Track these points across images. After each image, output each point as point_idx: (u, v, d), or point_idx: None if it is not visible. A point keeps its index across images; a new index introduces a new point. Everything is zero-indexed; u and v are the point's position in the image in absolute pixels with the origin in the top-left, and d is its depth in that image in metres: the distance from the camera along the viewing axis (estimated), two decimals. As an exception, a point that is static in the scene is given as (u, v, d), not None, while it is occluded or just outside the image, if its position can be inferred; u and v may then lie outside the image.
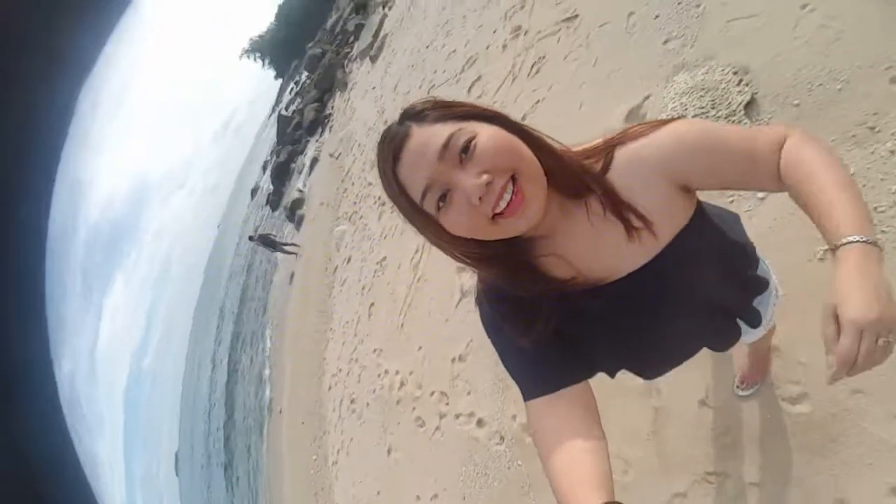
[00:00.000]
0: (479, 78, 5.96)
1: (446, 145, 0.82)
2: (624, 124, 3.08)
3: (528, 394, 0.94)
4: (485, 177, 0.81)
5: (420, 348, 5.08)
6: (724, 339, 1.29)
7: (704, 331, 1.21)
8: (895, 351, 0.73)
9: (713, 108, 2.64)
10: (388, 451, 5.19)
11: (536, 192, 0.85)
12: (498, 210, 0.83)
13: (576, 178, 0.93)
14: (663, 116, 2.78)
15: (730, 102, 2.58)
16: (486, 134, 0.84)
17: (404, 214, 0.91)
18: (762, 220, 2.30)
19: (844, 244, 0.77)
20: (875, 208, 1.96)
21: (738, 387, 2.16)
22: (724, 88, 2.64)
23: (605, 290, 0.99)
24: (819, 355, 1.68)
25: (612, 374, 1.15)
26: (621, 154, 0.95)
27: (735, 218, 1.33)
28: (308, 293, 11.02)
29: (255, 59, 62.20)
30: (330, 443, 7.14)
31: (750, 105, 2.51)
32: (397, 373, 5.42)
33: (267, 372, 14.46)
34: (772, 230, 2.23)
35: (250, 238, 16.24)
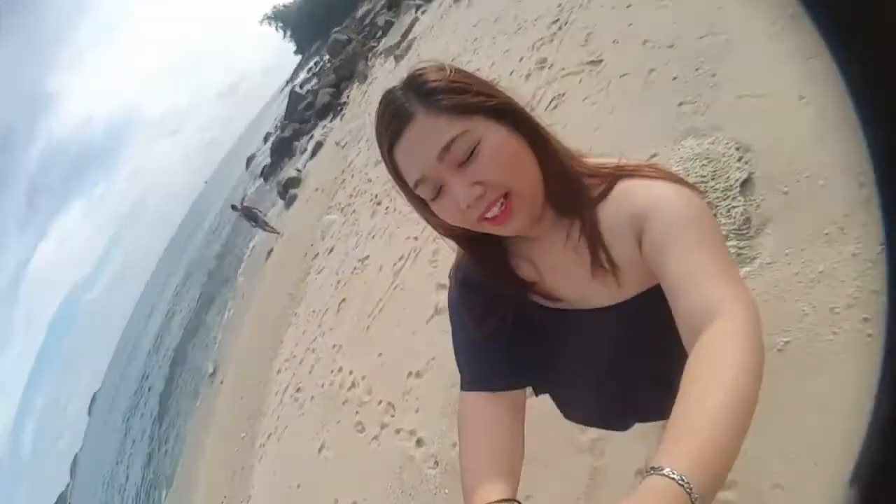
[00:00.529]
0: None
1: (448, 148, 0.79)
2: None
3: (469, 385, 0.95)
4: (477, 189, 0.80)
5: (380, 355, 5.02)
6: (656, 413, 1.20)
7: (641, 398, 1.13)
8: None
9: (713, 179, 2.66)
10: (320, 449, 5.12)
11: (524, 209, 0.85)
12: (486, 217, 0.83)
13: (569, 197, 0.91)
14: None
15: (728, 177, 2.61)
16: (492, 141, 0.80)
17: (396, 184, 0.90)
18: None
19: (654, 473, 0.56)
20: (832, 309, 2.00)
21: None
22: (726, 162, 2.67)
23: (562, 313, 0.98)
24: (750, 444, 1.72)
25: (536, 392, 1.13)
26: (622, 187, 0.89)
27: None
28: (282, 273, 10.97)
29: (276, 29, 61.82)
30: (264, 425, 7.07)
31: (746, 183, 2.54)
32: (351, 373, 5.36)
33: (219, 339, 14.27)
34: None
35: (233, 207, 16.04)
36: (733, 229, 2.42)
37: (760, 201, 2.46)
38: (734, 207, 2.50)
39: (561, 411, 1.26)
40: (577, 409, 1.26)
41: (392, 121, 0.82)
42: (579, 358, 1.01)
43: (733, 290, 0.73)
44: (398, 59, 13.14)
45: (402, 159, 0.83)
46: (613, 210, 0.89)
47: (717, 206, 2.53)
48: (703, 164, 2.74)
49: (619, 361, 1.00)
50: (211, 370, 12.87)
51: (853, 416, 1.47)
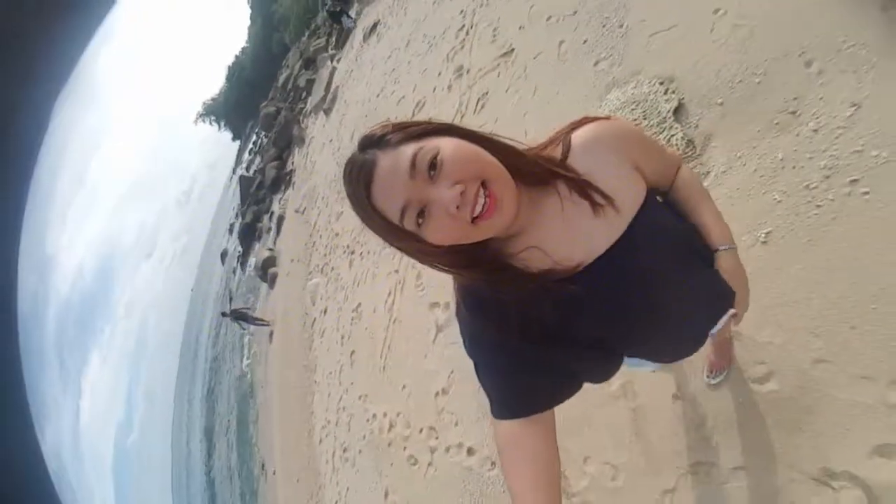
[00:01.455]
0: (429, 120, 6.07)
1: (413, 164, 0.85)
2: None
3: (500, 414, 0.97)
4: (457, 187, 0.85)
5: (404, 387, 5.09)
6: (714, 318, 1.29)
7: (697, 306, 1.20)
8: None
9: (645, 119, 2.77)
10: (385, 495, 5.11)
11: (506, 191, 0.89)
12: (476, 213, 0.86)
13: (539, 168, 0.99)
14: None
15: (659, 111, 2.71)
16: (448, 147, 0.87)
17: (384, 237, 0.92)
18: None
19: (719, 251, 1.20)
20: (807, 186, 2.05)
21: (708, 376, 2.22)
22: (653, 99, 2.78)
23: (584, 274, 1.01)
24: (778, 332, 1.98)
25: (613, 367, 1.12)
26: (578, 139, 1.04)
27: None
28: (289, 349, 10.89)
29: (210, 123, 61.86)
30: (327, 497, 6.95)
31: (678, 110, 2.63)
32: (385, 415, 5.39)
33: (256, 434, 14.16)
34: None
35: (223, 314, 16.00)
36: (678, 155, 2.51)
37: (697, 121, 2.54)
38: (673, 136, 2.59)
39: (654, 360, 1.35)
40: (660, 346, 1.25)
41: (360, 173, 0.88)
42: (628, 293, 1.03)
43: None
44: (327, 112, 13.18)
45: (381, 197, 0.87)
46: (584, 156, 1.03)
47: (657, 139, 2.52)
48: (633, 109, 2.85)
49: (658, 273, 1.05)
50: (260, 466, 12.76)
51: (871, 269, 1.84)
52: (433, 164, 0.85)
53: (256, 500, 12.98)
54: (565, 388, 0.99)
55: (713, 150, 2.44)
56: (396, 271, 5.93)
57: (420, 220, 0.87)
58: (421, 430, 4.61)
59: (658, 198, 1.18)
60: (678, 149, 2.52)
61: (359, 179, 0.88)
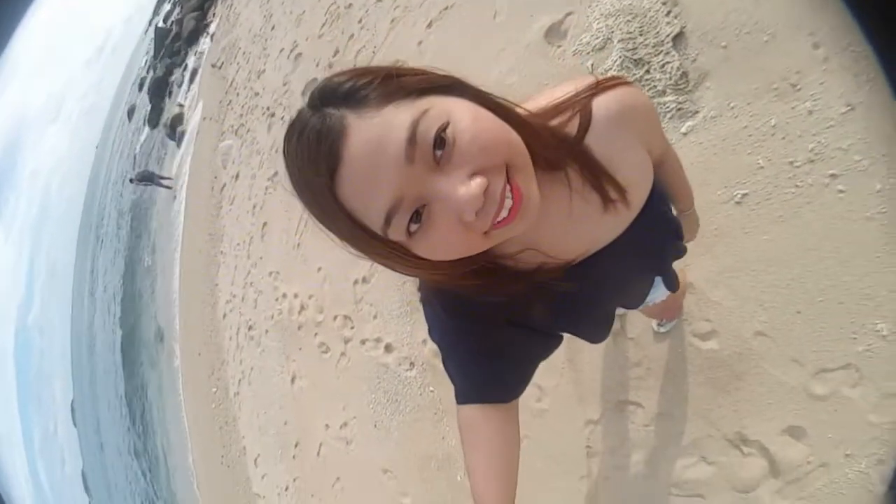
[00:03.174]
0: (425, 68, 5.37)
1: (413, 138, 0.56)
2: (543, 41, 2.90)
3: (462, 399, 0.86)
4: (479, 180, 0.58)
5: (319, 269, 4.76)
6: (640, 300, 1.32)
7: (638, 291, 1.26)
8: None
9: (641, 35, 2.51)
10: (293, 380, 5.02)
11: (532, 182, 0.65)
12: (499, 219, 0.62)
13: (551, 146, 0.75)
14: (586, 37, 2.66)
15: (658, 32, 2.47)
16: (463, 115, 0.59)
17: (350, 243, 0.65)
18: (683, 156, 2.18)
19: (686, 212, 1.30)
20: (791, 162, 1.98)
21: (658, 324, 2.19)
22: (653, 16, 2.49)
23: (577, 270, 0.87)
24: (729, 296, 2.08)
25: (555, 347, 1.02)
26: (601, 112, 0.80)
27: None
28: (195, 214, 10.45)
29: None
30: (230, 373, 6.92)
31: (678, 38, 2.39)
32: (296, 296, 5.13)
33: (156, 302, 13.88)
34: (692, 166, 2.20)
35: (131, 180, 15.70)
36: (670, 84, 2.33)
37: (696, 56, 2.34)
38: (668, 63, 2.40)
39: (590, 342, 1.18)
40: (599, 330, 1.16)
41: (318, 148, 0.57)
42: (610, 290, 1.02)
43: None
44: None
45: (354, 191, 0.58)
46: (606, 134, 0.80)
47: (649, 61, 2.41)
48: (628, 20, 2.57)
49: (637, 270, 1.07)
50: (158, 336, 12.59)
51: (826, 263, 1.90)
52: (441, 141, 0.57)
53: (157, 371, 12.87)
54: (528, 375, 0.91)
55: (706, 90, 2.29)
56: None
57: (413, 227, 0.60)
58: (335, 318, 4.37)
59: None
60: (670, 77, 2.38)
61: (315, 159, 0.57)
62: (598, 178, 0.80)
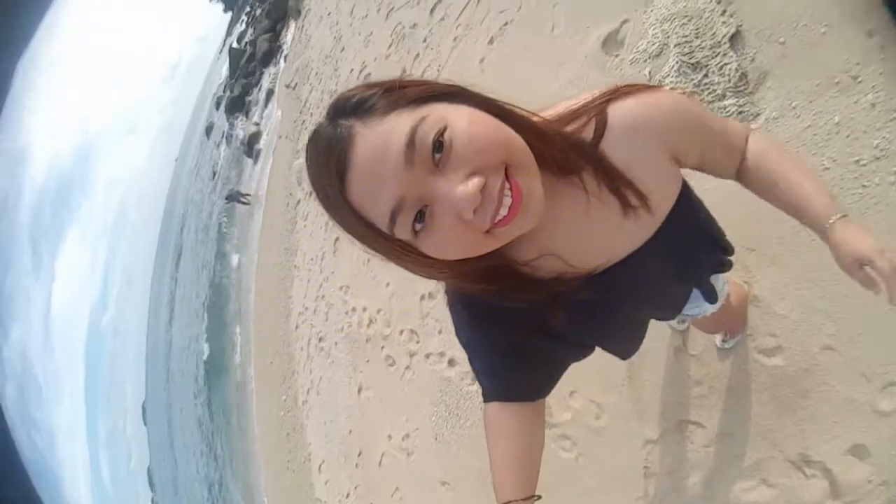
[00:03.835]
0: (428, 80, 5.50)
1: (411, 143, 0.61)
2: (601, 51, 2.86)
3: (487, 397, 0.90)
4: (476, 180, 0.62)
5: (388, 285, 4.88)
6: (673, 312, 1.26)
7: (668, 302, 1.18)
8: None
9: (697, 38, 2.45)
10: (359, 390, 5.12)
11: (534, 181, 0.68)
12: (498, 219, 0.66)
13: (563, 151, 0.76)
14: (643, 44, 2.62)
15: (714, 33, 2.41)
16: (460, 120, 0.64)
17: (363, 242, 0.71)
18: None
19: (831, 223, 0.88)
20: (857, 161, 1.88)
21: (722, 339, 2.10)
22: (709, 17, 2.44)
23: (599, 279, 0.87)
24: (796, 308, 1.96)
25: (584, 357, 1.03)
26: (618, 118, 0.80)
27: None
28: (271, 229, 10.75)
29: None
30: (300, 382, 7.08)
31: (735, 37, 2.33)
32: (365, 310, 5.25)
33: (232, 312, 14.34)
34: None
35: (226, 199, 16.56)
36: (729, 87, 2.26)
37: (754, 55, 2.27)
38: (727, 64, 2.31)
39: (620, 357, 1.17)
40: (630, 347, 1.17)
41: (329, 155, 0.64)
42: (634, 301, 0.98)
43: (741, 125, 0.99)
44: (325, -18, 12.28)
45: (361, 193, 0.64)
46: (623, 141, 0.80)
47: (707, 64, 2.35)
48: (683, 24, 2.52)
49: (666, 282, 1.01)
50: (233, 344, 13.01)
51: None
52: (439, 145, 0.62)
53: (231, 377, 13.26)
54: (552, 377, 0.93)
55: (767, 90, 2.20)
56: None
57: (417, 227, 0.65)
58: (401, 332, 4.47)
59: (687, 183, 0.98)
60: (729, 80, 2.29)
61: (327, 164, 0.65)
62: (616, 183, 0.80)
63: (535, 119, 0.75)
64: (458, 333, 0.94)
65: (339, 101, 0.67)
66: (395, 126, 0.62)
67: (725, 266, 1.18)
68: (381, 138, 0.62)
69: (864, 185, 1.85)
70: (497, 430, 0.87)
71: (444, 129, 0.62)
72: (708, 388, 2.15)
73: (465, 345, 0.93)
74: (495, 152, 0.64)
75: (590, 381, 2.60)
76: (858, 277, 0.84)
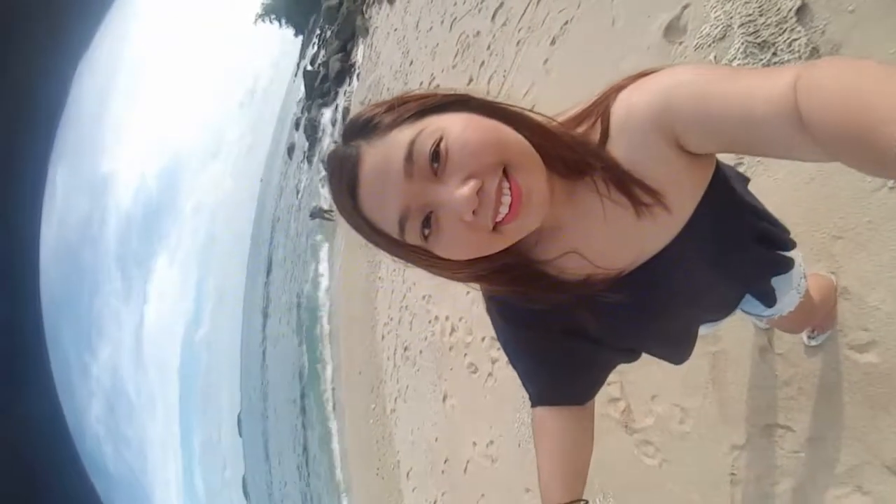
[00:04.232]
0: (501, 4, 5.47)
1: (409, 156, 0.65)
2: (664, 40, 2.79)
3: (535, 401, 0.92)
4: (471, 183, 0.64)
5: (468, 293, 4.89)
6: (722, 314, 1.19)
7: (713, 304, 1.12)
8: None
9: (761, 16, 2.34)
10: (444, 398, 5.19)
11: (536, 180, 0.68)
12: (500, 217, 0.67)
13: (570, 153, 0.75)
14: (706, 28, 2.52)
15: (779, 8, 2.28)
16: (455, 127, 0.66)
17: (387, 251, 0.75)
18: None
19: None
20: None
21: (809, 336, 1.97)
22: None
23: (628, 281, 0.84)
24: (889, 298, 1.78)
25: (632, 361, 1.03)
26: (618, 114, 0.76)
27: (743, 180, 1.13)
28: (354, 244, 10.99)
29: (270, 21, 61.46)
30: (387, 391, 7.23)
31: (802, 11, 2.20)
32: (447, 319, 5.33)
33: (323, 325, 14.76)
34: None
35: (311, 216, 17.01)
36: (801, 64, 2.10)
37: (824, 26, 2.13)
38: (795, 40, 2.18)
39: (671, 362, 1.14)
40: (679, 352, 1.12)
41: (342, 174, 0.69)
42: (671, 303, 0.93)
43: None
44: (391, 1, 12.67)
45: (371, 206, 0.69)
46: (626, 136, 0.76)
47: (774, 42, 2.22)
48: (746, 2, 2.42)
49: (703, 285, 0.95)
50: (324, 357, 13.39)
51: None
52: (436, 154, 0.65)
53: (323, 387, 13.64)
54: (595, 382, 0.94)
55: None
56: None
57: (426, 232, 0.68)
58: (483, 339, 4.50)
59: (724, 175, 0.87)
60: (800, 56, 2.14)
61: (340, 182, 0.70)
62: (623, 182, 0.77)
63: (539, 120, 0.77)
64: (497, 335, 0.97)
65: (350, 123, 0.73)
66: (396, 142, 0.66)
67: (781, 266, 1.10)
68: (382, 155, 0.66)
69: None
70: (543, 434, 0.89)
71: (441, 139, 0.65)
72: (797, 389, 2.02)
73: (503, 346, 0.96)
74: (489, 154, 0.66)
75: (672, 383, 2.53)
76: None
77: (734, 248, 0.93)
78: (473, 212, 0.65)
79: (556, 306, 0.83)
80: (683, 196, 0.80)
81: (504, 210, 0.66)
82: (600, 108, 0.78)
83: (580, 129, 0.78)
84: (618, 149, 0.76)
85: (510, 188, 0.66)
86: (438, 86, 6.65)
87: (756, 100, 0.62)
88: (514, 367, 0.95)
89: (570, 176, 0.77)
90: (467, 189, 0.64)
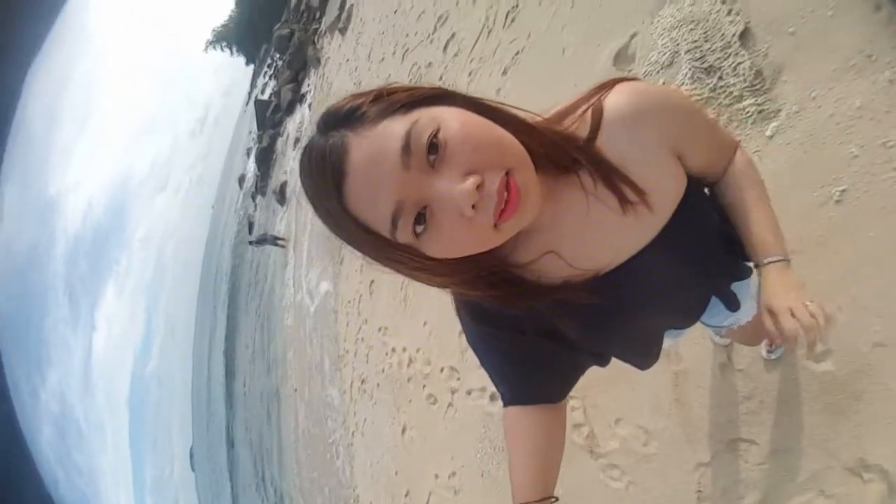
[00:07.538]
0: (452, 36, 5.63)
1: (406, 146, 0.61)
2: (613, 67, 2.89)
3: (509, 401, 0.92)
4: (473, 178, 0.62)
5: (425, 324, 4.93)
6: (689, 319, 1.17)
7: (682, 309, 1.11)
8: (827, 311, 0.87)
9: (707, 42, 2.44)
10: (403, 430, 5.12)
11: (530, 181, 0.67)
12: (501, 219, 0.66)
13: (557, 149, 0.76)
14: (654, 56, 2.63)
15: (723, 34, 2.39)
16: (452, 121, 0.64)
17: (370, 254, 0.70)
18: (773, 160, 2.13)
19: (766, 263, 0.95)
20: (884, 143, 1.83)
21: (768, 351, 2.04)
22: (715, 19, 2.43)
23: (604, 281, 0.85)
24: (842, 308, 1.84)
25: (603, 365, 1.04)
26: (610, 112, 0.79)
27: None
28: (317, 261, 10.90)
29: (221, 49, 60.81)
30: (344, 425, 7.09)
31: (744, 35, 2.32)
32: (405, 350, 5.30)
33: (276, 357, 14.52)
34: (784, 170, 2.08)
35: (250, 243, 16.80)
36: (746, 87, 2.23)
37: (767, 49, 2.24)
38: (740, 63, 2.29)
39: (639, 368, 1.16)
40: (647, 358, 1.14)
41: (324, 166, 0.63)
42: (643, 306, 0.94)
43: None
44: (343, 31, 12.69)
45: (360, 200, 0.64)
46: (617, 134, 0.79)
47: (720, 66, 2.33)
48: (691, 29, 2.51)
49: (677, 286, 0.97)
50: (278, 389, 13.13)
51: None
52: (434, 146, 0.62)
53: (276, 421, 13.34)
54: (566, 382, 0.94)
55: (784, 85, 2.16)
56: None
57: (418, 229, 0.65)
58: (442, 370, 4.49)
59: (705, 190, 1.03)
60: (745, 80, 2.25)
61: (323, 176, 0.64)
62: (611, 178, 0.78)
63: (524, 116, 0.75)
64: (466, 337, 0.95)
65: (328, 114, 0.68)
66: (389, 131, 0.62)
67: (744, 272, 1.12)
68: (375, 144, 0.62)
69: (894, 168, 1.82)
70: (515, 434, 0.89)
71: (438, 130, 0.62)
72: (758, 403, 2.09)
73: (473, 348, 0.94)
74: (490, 151, 0.64)
75: (636, 406, 2.57)
76: (767, 324, 0.89)
77: (704, 248, 0.96)
78: (474, 206, 0.63)
79: (533, 311, 0.83)
80: (666, 197, 0.84)
81: (501, 207, 0.65)
82: (588, 106, 0.79)
83: (564, 126, 0.79)
84: (607, 145, 0.78)
85: (508, 185, 0.64)
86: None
87: (722, 138, 0.98)
88: (485, 367, 0.94)
89: (554, 173, 0.78)
90: (469, 184, 0.62)
